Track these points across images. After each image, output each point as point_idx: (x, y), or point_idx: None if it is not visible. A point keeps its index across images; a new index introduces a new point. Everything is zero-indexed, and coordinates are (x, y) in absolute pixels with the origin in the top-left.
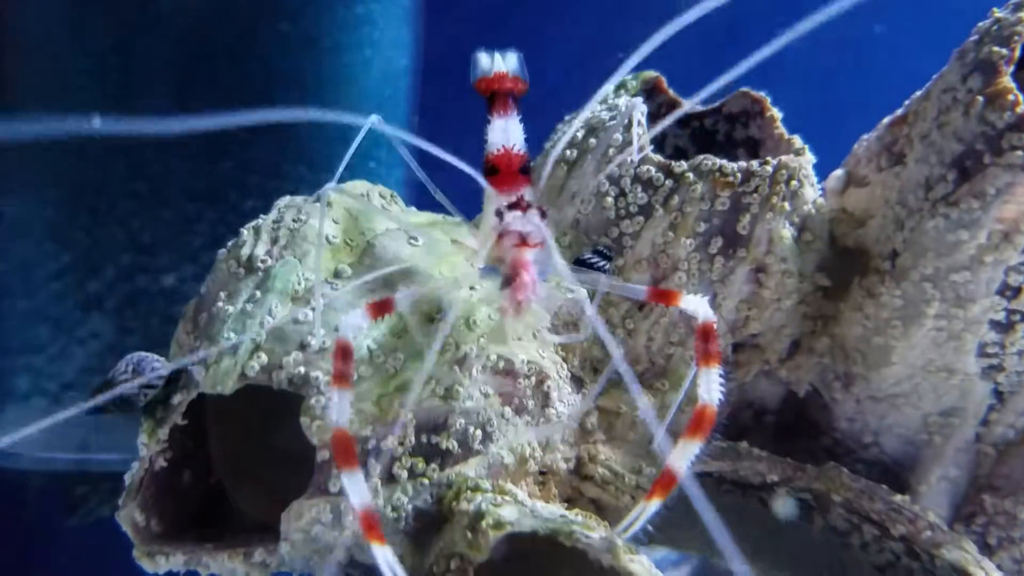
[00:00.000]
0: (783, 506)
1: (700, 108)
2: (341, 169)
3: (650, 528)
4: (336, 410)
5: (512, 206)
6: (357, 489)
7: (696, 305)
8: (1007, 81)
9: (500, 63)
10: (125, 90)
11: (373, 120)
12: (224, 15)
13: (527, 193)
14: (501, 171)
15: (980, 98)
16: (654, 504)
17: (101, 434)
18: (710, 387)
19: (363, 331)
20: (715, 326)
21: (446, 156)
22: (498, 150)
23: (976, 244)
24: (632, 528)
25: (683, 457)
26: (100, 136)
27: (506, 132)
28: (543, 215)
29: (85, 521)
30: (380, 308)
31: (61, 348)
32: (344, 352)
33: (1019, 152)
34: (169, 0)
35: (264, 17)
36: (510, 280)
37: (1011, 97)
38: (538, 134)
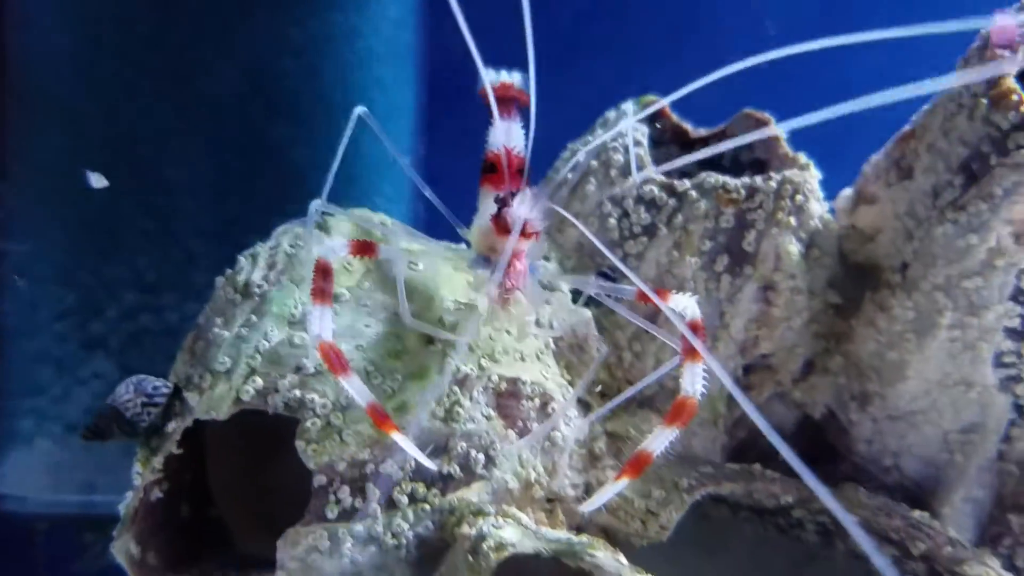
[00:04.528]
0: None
1: (703, 132)
2: (330, 180)
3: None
4: (317, 324)
5: (512, 194)
6: (359, 390)
7: (684, 303)
8: (1011, 82)
9: (506, 76)
10: (131, 127)
11: (359, 111)
12: (227, 50)
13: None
14: (499, 169)
15: (984, 100)
16: (622, 483)
17: (107, 475)
18: (694, 380)
19: (362, 351)
20: (701, 323)
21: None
22: (498, 149)
23: (986, 248)
24: (596, 503)
25: (658, 441)
26: (106, 175)
27: (508, 134)
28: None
29: (93, 566)
30: (362, 248)
31: (64, 389)
32: (324, 272)
33: None
34: (170, 34)
35: (267, 52)
36: (501, 268)
37: (1015, 97)
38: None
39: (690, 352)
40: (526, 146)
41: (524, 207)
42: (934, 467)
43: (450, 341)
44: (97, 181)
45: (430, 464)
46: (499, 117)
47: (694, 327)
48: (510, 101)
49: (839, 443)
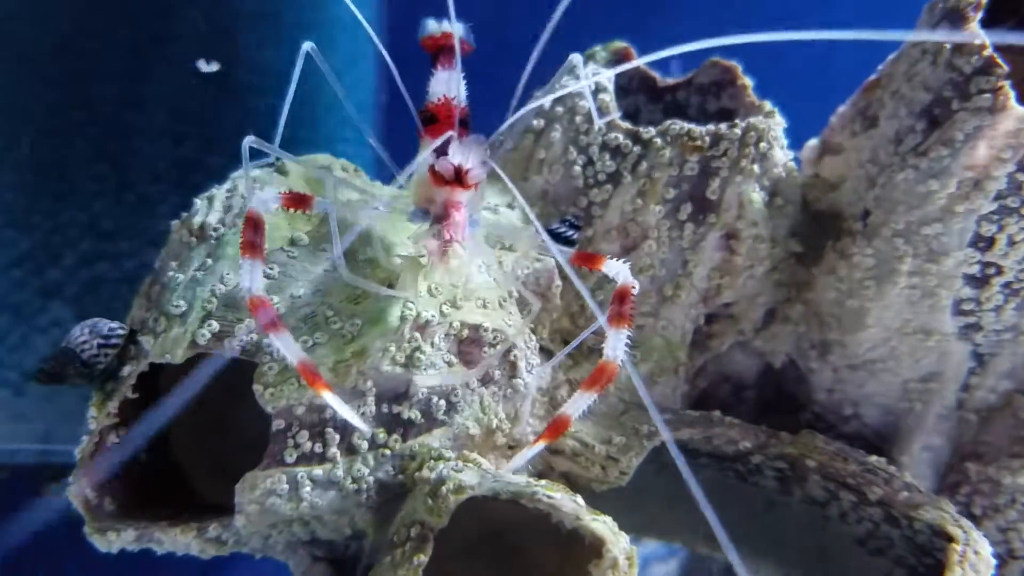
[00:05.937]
0: None
1: (671, 80)
2: (284, 117)
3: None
4: (248, 278)
5: (448, 142)
6: (289, 347)
7: (617, 269)
8: (974, 26)
9: (447, 26)
10: (85, 69)
11: (307, 47)
12: None
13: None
14: (440, 119)
15: (947, 45)
16: (539, 446)
17: (66, 424)
18: (616, 347)
19: (320, 295)
20: (632, 290)
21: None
22: (439, 99)
23: (947, 194)
24: (516, 464)
25: (577, 405)
26: (60, 118)
27: (448, 83)
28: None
29: (54, 516)
30: (296, 200)
31: (22, 337)
32: (255, 224)
33: (987, 95)
34: None
35: None
36: (439, 220)
37: (978, 41)
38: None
39: (615, 318)
40: (467, 96)
41: (459, 155)
42: (893, 416)
43: (392, 295)
44: (206, 66)
45: (363, 427)
46: (440, 67)
47: (623, 293)
48: (451, 50)
49: (800, 392)
